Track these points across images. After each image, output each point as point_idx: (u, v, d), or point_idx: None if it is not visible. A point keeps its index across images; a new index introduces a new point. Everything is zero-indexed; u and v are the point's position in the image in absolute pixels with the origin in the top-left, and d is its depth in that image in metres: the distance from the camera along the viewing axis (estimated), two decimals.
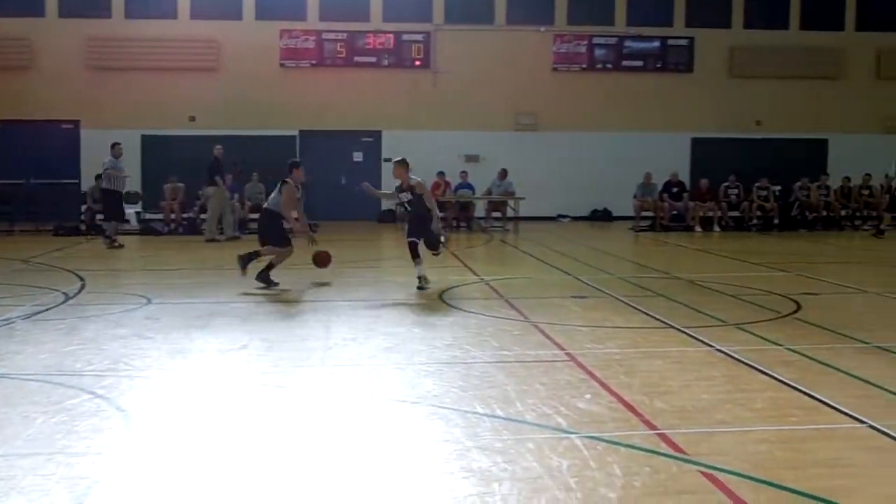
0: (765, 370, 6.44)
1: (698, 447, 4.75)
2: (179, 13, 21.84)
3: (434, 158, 20.95)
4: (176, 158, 20.50)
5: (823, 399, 5.68)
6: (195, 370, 6.61)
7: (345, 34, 22.03)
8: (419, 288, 10.38)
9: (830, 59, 23.25)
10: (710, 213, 20.34)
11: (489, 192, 20.65)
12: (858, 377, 6.30)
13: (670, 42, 22.93)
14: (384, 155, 22.18)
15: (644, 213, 20.51)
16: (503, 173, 20.52)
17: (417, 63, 22.24)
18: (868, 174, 21.53)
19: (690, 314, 8.88)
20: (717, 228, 20.03)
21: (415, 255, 10.57)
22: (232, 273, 11.11)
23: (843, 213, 21.13)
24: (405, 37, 22.20)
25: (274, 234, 11.04)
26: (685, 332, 7.88)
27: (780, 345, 7.37)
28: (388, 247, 17.12)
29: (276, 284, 10.62)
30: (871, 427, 5.11)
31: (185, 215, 19.33)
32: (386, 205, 21.45)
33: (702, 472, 4.36)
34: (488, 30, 22.40)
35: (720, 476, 4.30)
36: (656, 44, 22.89)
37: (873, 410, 5.44)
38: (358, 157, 22.56)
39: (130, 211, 19.70)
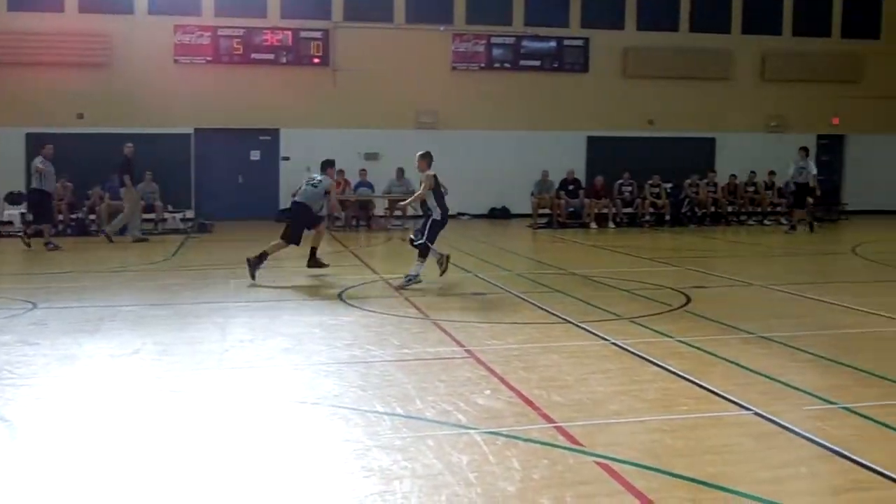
0: (657, 362, 6.64)
1: (594, 438, 4.86)
2: (67, 6, 21.01)
3: (333, 156, 20.74)
4: (63, 157, 19.71)
5: (712, 388, 5.90)
6: (85, 377, 6.38)
7: (241, 30, 21.62)
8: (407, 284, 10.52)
9: (718, 60, 24.08)
10: (605, 210, 20.82)
11: (389, 191, 20.62)
12: (744, 366, 6.56)
13: (566, 42, 23.35)
14: (282, 153, 21.92)
15: (541, 211, 20.84)
16: (400, 172, 20.53)
17: (316, 61, 22.02)
18: (753, 171, 22.41)
19: (587, 309, 9.07)
20: (611, 225, 20.51)
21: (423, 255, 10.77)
22: (125, 274, 10.78)
23: (729, 209, 21.93)
24: (303, 34, 21.93)
25: (306, 222, 11.80)
26: (582, 327, 8.05)
27: (672, 337, 7.61)
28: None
29: (328, 265, 11.79)
30: (757, 413, 5.33)
31: (73, 216, 18.64)
32: (285, 203, 21.19)
33: (597, 463, 4.47)
34: (388, 28, 22.35)
35: (615, 466, 4.41)
36: (553, 44, 23.27)
37: (758, 397, 5.68)
38: (255, 155, 22.18)
39: (15, 212, 18.92)
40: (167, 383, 6.18)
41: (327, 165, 12.47)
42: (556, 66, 23.29)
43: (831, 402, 5.60)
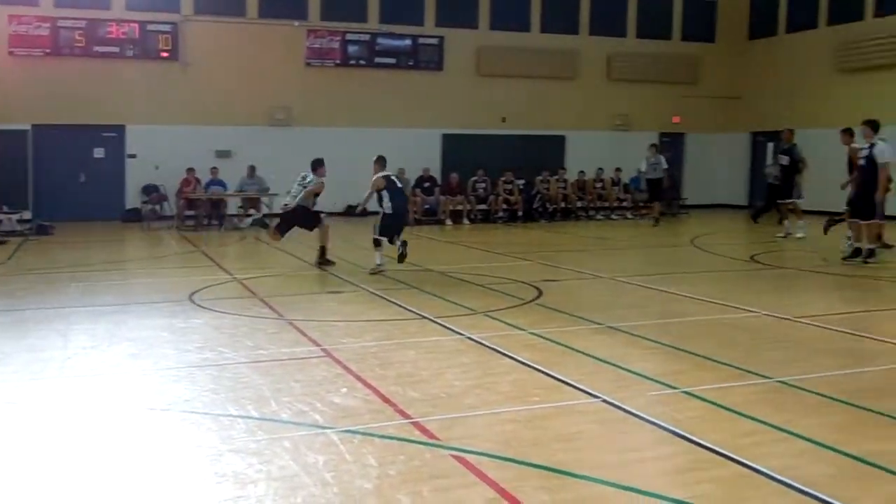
0: (511, 354, 6.79)
1: (450, 432, 4.93)
2: None
3: (183, 154, 20.18)
4: None
5: (563, 378, 6.08)
6: None
7: (83, 22, 20.58)
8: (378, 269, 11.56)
9: (567, 60, 24.83)
10: (460, 207, 21.11)
11: (241, 190, 20.17)
12: (593, 356, 6.81)
13: (421, 41, 23.50)
14: (128, 151, 21.04)
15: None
16: (251, 170, 20.14)
17: (164, 55, 21.24)
18: (601, 168, 23.25)
19: (443, 304, 9.17)
20: (466, 221, 20.81)
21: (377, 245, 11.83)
22: None
23: (579, 204, 22.68)
24: (151, 27, 21.10)
25: (305, 222, 12.62)
26: (437, 323, 8.13)
27: (524, 330, 7.80)
28: (135, 247, 16.29)
29: (334, 263, 12.31)
30: (605, 401, 5.54)
31: None
32: (132, 203, 20.42)
33: (453, 456, 4.53)
34: (240, 22, 21.84)
35: (471, 458, 4.48)
36: (408, 42, 23.37)
37: (606, 385, 5.90)
38: (99, 153, 21.15)
39: None
40: (3, 394, 5.83)
41: (317, 164, 12.84)
42: (411, 64, 23.41)
43: (673, 388, 5.88)
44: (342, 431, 4.90)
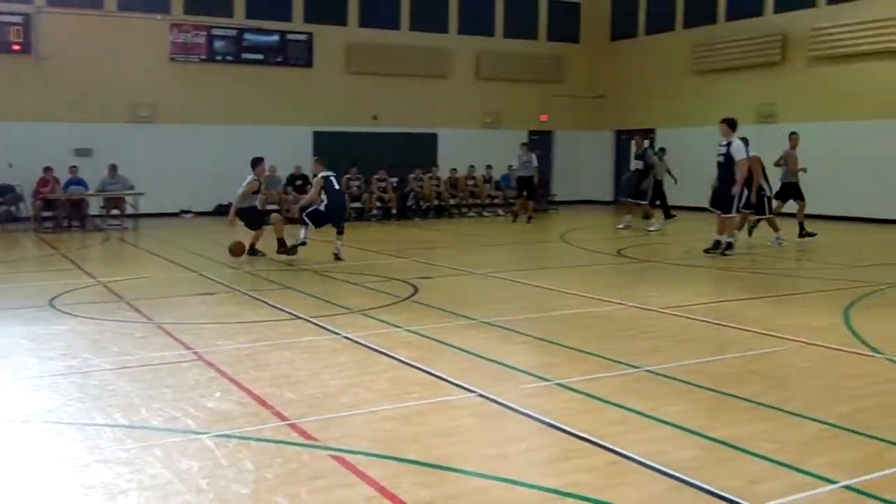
0: (387, 352, 6.80)
1: (328, 432, 4.89)
2: None
3: (40, 152, 19.21)
4: None
5: (439, 374, 6.14)
6: None
7: None
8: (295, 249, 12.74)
9: (437, 58, 25.03)
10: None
11: (103, 189, 19.38)
12: (469, 351, 6.90)
13: (290, 37, 23.17)
14: None
15: (269, 207, 20.54)
16: (112, 169, 19.39)
17: (16, 48, 20.14)
18: (472, 166, 23.56)
19: (318, 304, 9.09)
20: None
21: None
22: None
23: (451, 201, 22.92)
24: (1, 18, 20.01)
25: (251, 221, 13.25)
26: (313, 322, 8.05)
27: (401, 327, 7.82)
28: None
29: (264, 255, 12.97)
30: (481, 395, 5.63)
31: None
32: None
33: (332, 456, 4.50)
34: (98, 15, 20.96)
35: (349, 458, 4.46)
36: (276, 38, 23.00)
37: (481, 379, 5.99)
38: None
39: None
40: None
41: (254, 163, 13.27)
42: (279, 60, 23.06)
43: (546, 380, 6.03)
44: (217, 436, 4.79)
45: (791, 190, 15.37)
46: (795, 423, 5.11)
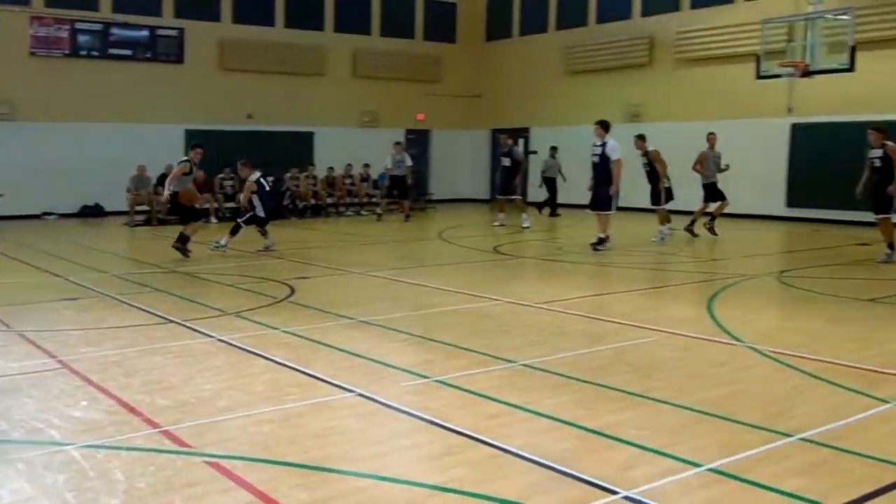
0: (264, 354, 6.68)
1: (203, 438, 4.77)
2: None
3: None
4: None
5: (317, 375, 6.08)
6: None
7: None
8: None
9: (313, 56, 24.78)
10: (207, 205, 20.43)
11: None
12: (347, 350, 6.86)
13: (160, 32, 22.46)
14: None
15: (139, 207, 19.89)
16: None
17: None
18: (349, 164, 23.43)
19: (191, 307, 8.85)
20: (214, 220, 20.18)
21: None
22: None
23: (329, 200, 22.73)
24: None
25: (191, 214, 13.32)
26: (186, 326, 7.83)
27: (277, 328, 7.71)
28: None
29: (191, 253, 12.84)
30: (360, 395, 5.60)
31: None
32: None
33: (207, 463, 4.38)
34: None
35: (225, 463, 4.36)
36: (145, 33, 22.25)
37: (360, 379, 5.97)
38: None
39: None
40: None
41: (191, 148, 13.50)
42: (149, 56, 22.33)
43: (424, 377, 6.06)
44: (84, 447, 4.59)
45: (713, 190, 15.87)
46: (664, 410, 5.31)
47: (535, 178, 22.96)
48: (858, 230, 16.69)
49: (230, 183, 21.19)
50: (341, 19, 25.37)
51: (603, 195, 13.78)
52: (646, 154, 15.56)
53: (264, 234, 14.06)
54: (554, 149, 21.65)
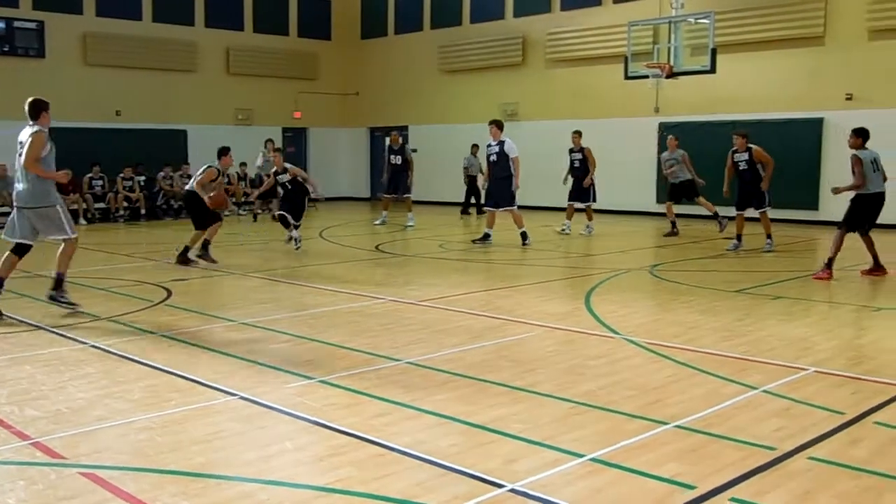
0: (141, 360, 6.47)
1: (77, 449, 4.58)
2: None
3: None
4: None
5: (198, 379, 5.93)
6: None
7: None
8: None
9: (184, 52, 24.09)
10: (75, 206, 19.59)
11: None
12: (228, 353, 6.72)
13: (17, 24, 21.34)
14: None
15: (3, 210, 18.90)
16: None
17: None
18: (244, 163, 22.88)
19: (61, 312, 8.46)
20: (83, 221, 19.39)
21: (286, 225, 13.90)
22: None
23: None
24: None
25: (197, 210, 12.14)
26: (56, 332, 7.51)
27: (154, 332, 7.48)
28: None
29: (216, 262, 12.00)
30: (242, 398, 5.50)
31: None
32: None
33: (83, 474, 4.22)
34: None
35: (102, 473, 4.21)
36: (1, 25, 21.12)
37: (242, 382, 5.87)
38: None
39: None
40: None
41: (221, 153, 12.62)
42: (6, 49, 21.20)
43: (309, 378, 6.00)
44: None
45: (683, 189, 16.12)
46: (546, 403, 5.44)
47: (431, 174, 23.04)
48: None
49: (99, 183, 20.41)
50: (212, 14, 24.77)
51: (504, 192, 14.16)
52: (581, 150, 15.96)
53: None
54: (475, 146, 21.72)
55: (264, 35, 25.74)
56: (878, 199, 10.79)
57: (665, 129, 20.26)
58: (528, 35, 23.30)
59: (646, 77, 17.93)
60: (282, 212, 14.17)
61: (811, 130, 18.42)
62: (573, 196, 16.52)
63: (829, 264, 10.63)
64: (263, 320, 8.04)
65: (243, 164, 23.17)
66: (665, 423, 4.95)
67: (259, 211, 20.77)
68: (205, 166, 12.43)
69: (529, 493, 3.95)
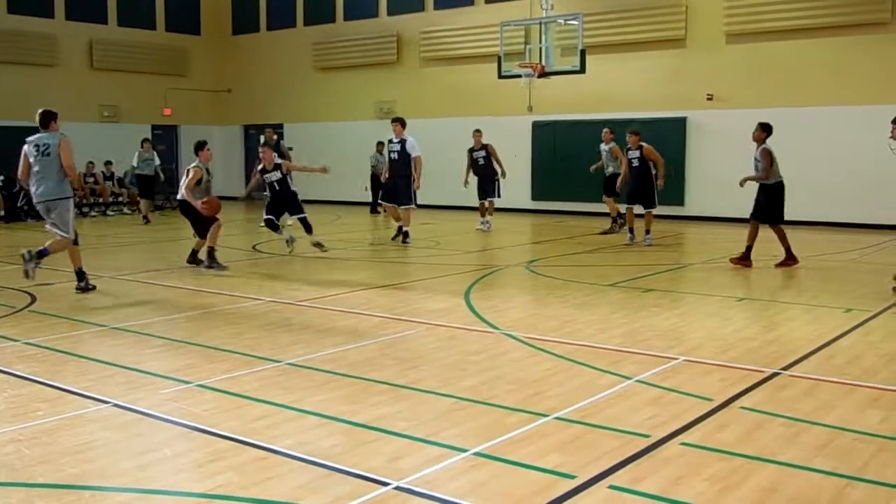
0: (3, 369, 6.16)
1: None
2: None
3: None
4: None
5: (67, 387, 5.69)
6: None
7: None
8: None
9: (43, 45, 23.00)
10: None
11: None
12: (99, 360, 6.47)
13: None
14: None
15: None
16: None
17: None
18: (91, 162, 22.01)
19: None
20: None
21: (275, 228, 12.80)
22: None
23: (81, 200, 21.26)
24: None
25: (194, 217, 11.35)
26: None
27: (18, 340, 7.12)
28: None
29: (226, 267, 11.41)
30: (116, 405, 5.31)
31: None
32: None
33: None
34: None
35: None
36: None
37: (115, 389, 5.66)
38: None
39: None
40: None
41: (197, 148, 11.75)
42: None
43: (186, 382, 5.84)
44: None
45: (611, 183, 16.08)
46: (428, 399, 5.48)
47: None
48: (596, 220, 18.06)
49: None
50: (73, 6, 23.73)
51: (403, 190, 14.15)
52: (484, 147, 16.19)
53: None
54: (381, 144, 21.44)
55: (130, 28, 24.86)
56: (783, 189, 11.45)
57: (539, 127, 20.69)
58: (402, 33, 23.36)
59: (518, 76, 18.26)
60: (269, 216, 12.68)
61: (676, 129, 19.20)
62: (484, 194, 16.54)
63: (748, 254, 11.31)
64: (136, 324, 7.78)
65: (109, 163, 22.34)
66: (545, 416, 5.07)
67: (146, 215, 19.75)
68: (188, 168, 11.61)
69: (414, 490, 3.97)
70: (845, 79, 17.26)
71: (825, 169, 16.76)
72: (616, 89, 19.91)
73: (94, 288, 9.80)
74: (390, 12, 23.65)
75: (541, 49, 18.25)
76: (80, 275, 9.77)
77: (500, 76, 18.87)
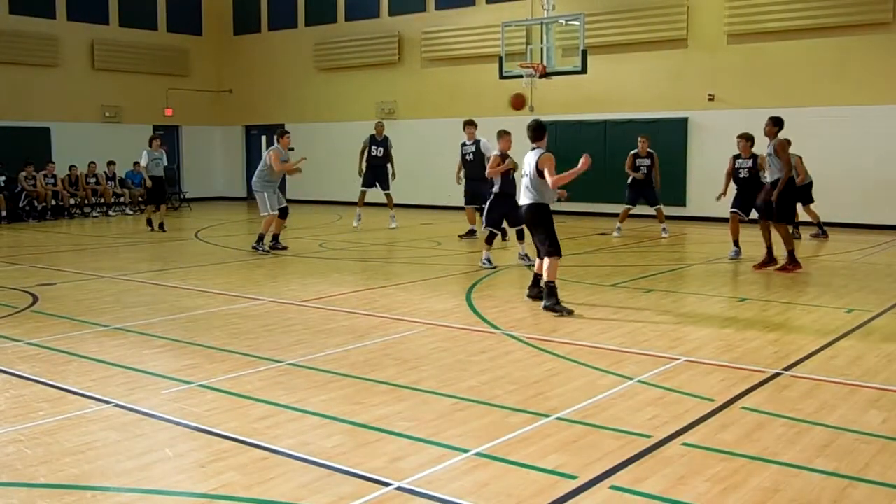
0: (5, 369, 6.17)
1: None
2: None
3: None
4: None
5: (69, 388, 5.70)
6: None
7: None
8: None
9: (45, 46, 22.99)
10: None
11: None
12: (101, 360, 6.48)
13: None
14: None
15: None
16: None
17: None
18: (93, 162, 22.03)
19: None
20: None
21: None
22: None
23: (72, 201, 21.25)
24: None
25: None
26: None
27: (20, 340, 7.13)
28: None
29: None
30: (117, 405, 5.32)
31: None
32: None
33: None
34: None
35: None
36: None
37: (117, 389, 5.67)
38: None
39: None
40: None
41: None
42: None
43: (188, 382, 5.85)
44: None
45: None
46: (430, 400, 5.48)
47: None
48: (597, 220, 18.06)
49: None
50: (75, 7, 23.71)
51: (482, 190, 14.19)
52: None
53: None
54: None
55: (131, 29, 24.84)
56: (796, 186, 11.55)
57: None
58: (403, 34, 23.35)
59: (520, 77, 18.24)
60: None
61: (677, 129, 19.18)
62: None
63: (793, 257, 11.09)
64: (137, 325, 7.78)
65: (112, 163, 22.34)
66: (546, 416, 5.07)
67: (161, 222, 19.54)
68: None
69: (416, 490, 3.98)
70: (847, 79, 17.24)
71: (825, 169, 16.73)
72: (617, 89, 19.90)
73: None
74: (391, 13, 23.64)
75: (542, 49, 18.23)
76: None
77: (502, 76, 18.84)
